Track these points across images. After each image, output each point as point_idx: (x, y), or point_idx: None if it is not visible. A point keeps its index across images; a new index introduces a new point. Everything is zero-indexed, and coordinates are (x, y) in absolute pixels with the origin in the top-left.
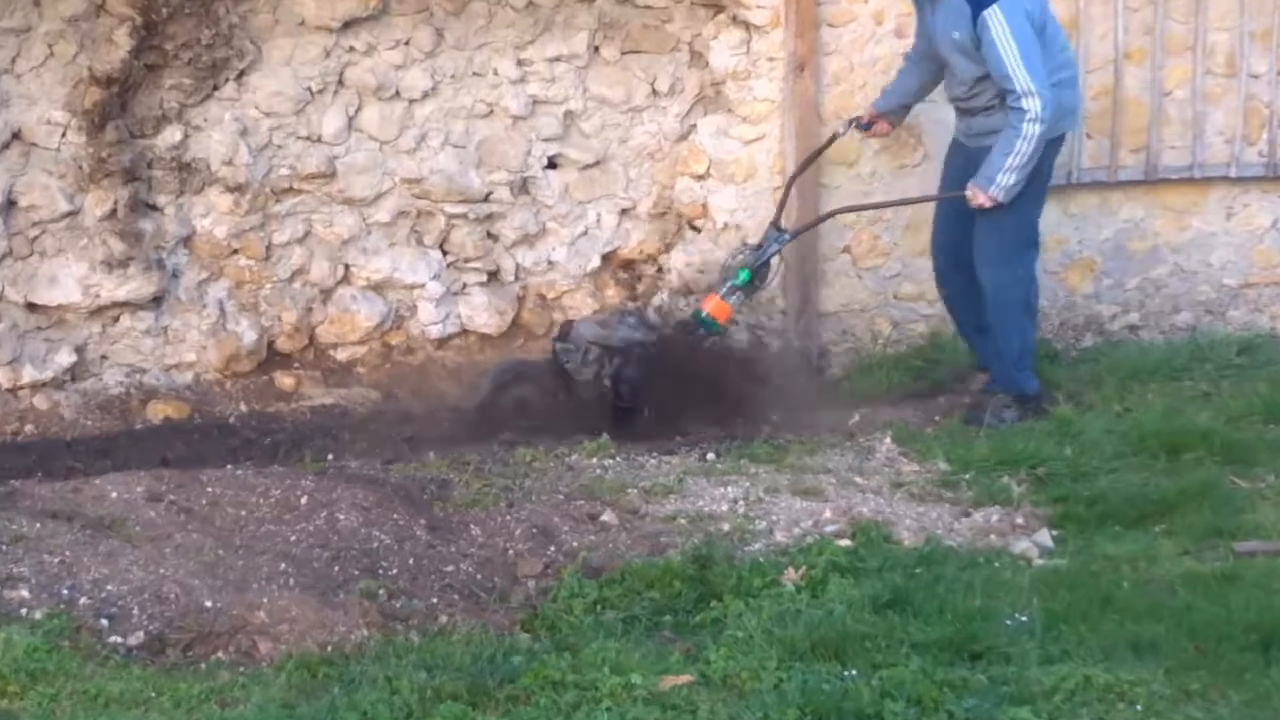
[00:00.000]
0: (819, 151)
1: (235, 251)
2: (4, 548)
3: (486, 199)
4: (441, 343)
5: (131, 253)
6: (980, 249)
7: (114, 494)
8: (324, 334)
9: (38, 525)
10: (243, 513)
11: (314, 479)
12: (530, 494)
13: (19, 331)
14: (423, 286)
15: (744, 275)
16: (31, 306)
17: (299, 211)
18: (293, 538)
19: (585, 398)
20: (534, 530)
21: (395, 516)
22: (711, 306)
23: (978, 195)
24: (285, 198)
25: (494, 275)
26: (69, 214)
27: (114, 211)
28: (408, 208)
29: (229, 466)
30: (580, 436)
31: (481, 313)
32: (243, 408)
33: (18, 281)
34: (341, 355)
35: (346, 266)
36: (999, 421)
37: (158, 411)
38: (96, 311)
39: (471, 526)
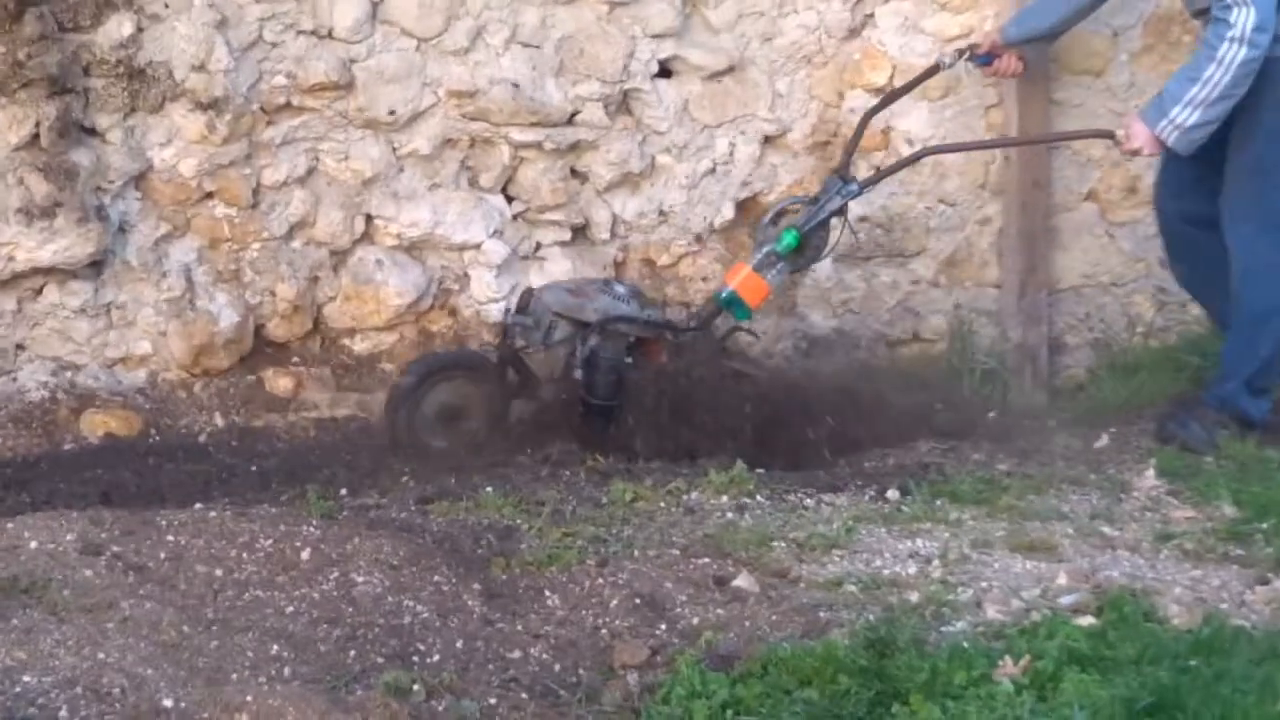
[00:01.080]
0: (910, 86)
1: (209, 196)
2: None
3: (570, 121)
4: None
5: (59, 197)
6: (1232, 202)
7: (33, 544)
8: (335, 315)
9: None
10: (218, 572)
11: (320, 525)
12: (631, 547)
13: None
14: (478, 247)
15: (790, 238)
16: None
17: (301, 138)
18: (290, 609)
19: (548, 399)
20: (636, 600)
21: (437, 579)
22: (740, 282)
23: (1135, 134)
24: (281, 119)
25: (581, 231)
26: None
27: (35, 137)
28: (457, 134)
29: (198, 506)
30: (545, 460)
31: None
32: (218, 421)
33: None
34: (361, 346)
35: (369, 218)
36: (1209, 438)
37: (96, 425)
38: (9, 282)
39: (547, 594)
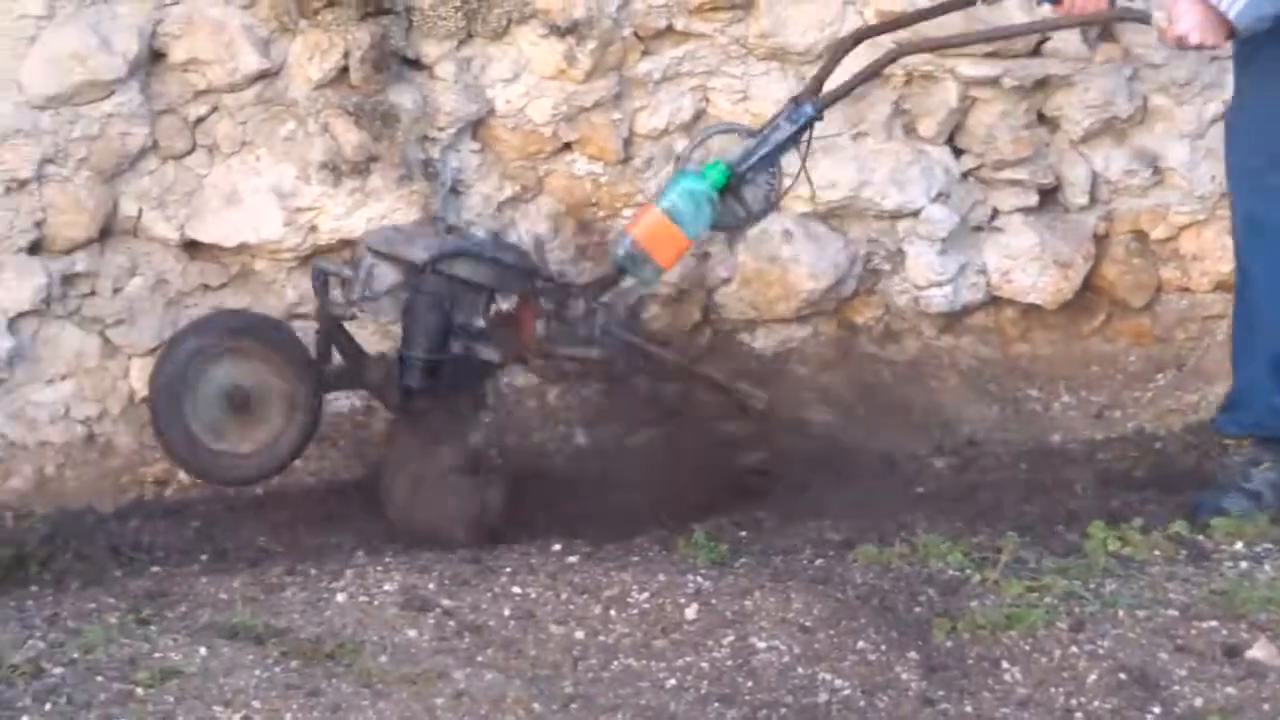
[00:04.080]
0: (926, 14)
1: (568, 147)
2: (139, 690)
3: (1037, 51)
4: (951, 320)
5: (374, 148)
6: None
7: (341, 597)
8: (731, 303)
9: (202, 650)
10: (578, 635)
11: (710, 574)
12: (1115, 606)
13: (167, 292)
14: (916, 214)
15: (715, 175)
16: (191, 247)
17: (686, 73)
18: (671, 682)
19: (374, 381)
20: (1121, 675)
21: (861, 646)
22: (644, 229)
23: (1181, 12)
24: (661, 47)
25: (1050, 194)
26: (261, 75)
27: (343, 71)
28: (889, 67)
29: (556, 548)
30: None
31: (1028, 265)
32: (578, 438)
33: (167, 202)
34: (764, 343)
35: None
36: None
37: None
38: (310, 258)
39: (1004, 666)
